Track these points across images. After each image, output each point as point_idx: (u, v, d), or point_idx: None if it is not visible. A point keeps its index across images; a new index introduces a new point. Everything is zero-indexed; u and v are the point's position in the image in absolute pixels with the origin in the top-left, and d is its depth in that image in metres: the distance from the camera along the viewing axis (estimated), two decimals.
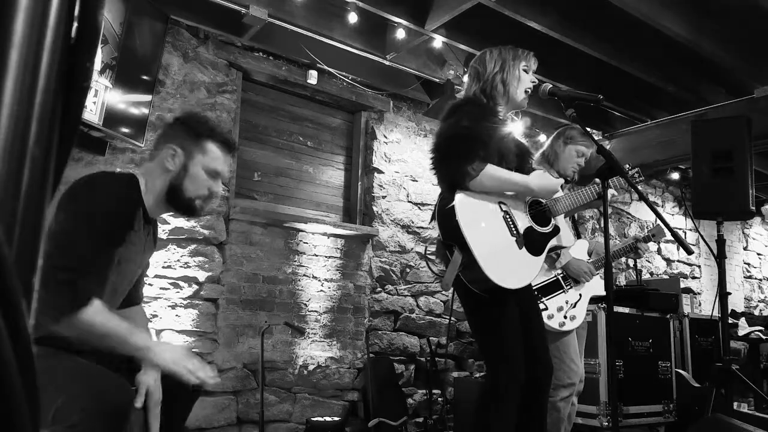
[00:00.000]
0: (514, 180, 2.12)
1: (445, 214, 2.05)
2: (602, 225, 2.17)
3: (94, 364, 1.51)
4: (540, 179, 2.17)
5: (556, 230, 2.28)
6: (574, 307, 2.87)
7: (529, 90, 2.27)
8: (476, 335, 2.33)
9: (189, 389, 1.81)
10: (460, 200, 2.04)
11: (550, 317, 2.77)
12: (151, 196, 1.75)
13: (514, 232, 2.14)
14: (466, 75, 2.36)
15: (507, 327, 2.09)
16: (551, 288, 2.84)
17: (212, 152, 1.77)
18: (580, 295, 2.92)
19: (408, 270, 4.49)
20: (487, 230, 2.08)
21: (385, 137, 4.51)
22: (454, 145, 2.07)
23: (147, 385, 1.60)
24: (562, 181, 2.28)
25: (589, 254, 3.08)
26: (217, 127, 1.84)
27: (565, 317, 2.82)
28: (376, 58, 4.01)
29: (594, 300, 3.03)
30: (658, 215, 2.01)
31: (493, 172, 2.05)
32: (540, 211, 2.28)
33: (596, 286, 2.98)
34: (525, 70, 2.25)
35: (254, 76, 3.99)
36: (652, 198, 6.55)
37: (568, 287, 2.89)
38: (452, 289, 2.25)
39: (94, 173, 1.68)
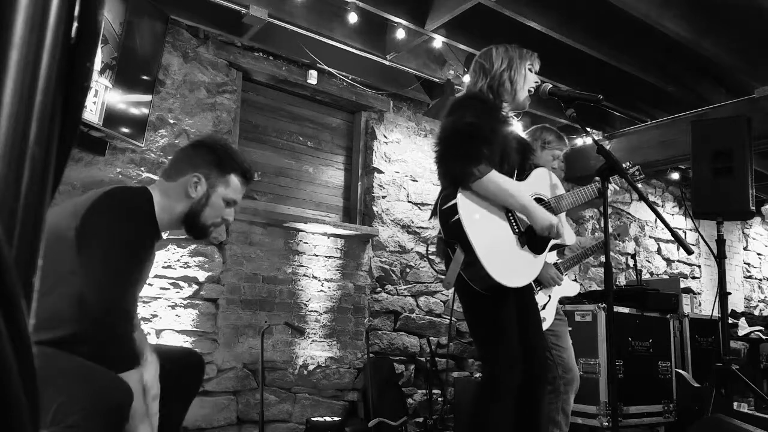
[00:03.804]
0: (516, 197, 2.08)
1: (447, 212, 2.03)
2: (602, 225, 2.16)
3: (93, 364, 1.51)
4: (542, 213, 2.11)
5: None
6: (544, 308, 2.89)
7: (532, 90, 2.26)
8: (474, 333, 2.33)
9: (186, 388, 1.82)
10: (463, 198, 2.02)
11: None
12: (166, 216, 1.78)
13: (516, 230, 2.13)
14: (467, 75, 2.36)
15: (506, 325, 2.08)
16: None
17: (234, 184, 1.83)
18: (549, 296, 2.94)
19: (408, 270, 4.49)
20: (490, 228, 2.07)
21: (385, 137, 4.51)
22: (458, 142, 2.05)
23: (145, 380, 1.61)
24: (558, 220, 2.22)
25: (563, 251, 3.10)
26: (241, 158, 1.88)
27: None
28: (376, 58, 4.00)
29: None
30: (658, 215, 2.01)
31: (498, 180, 2.03)
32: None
33: (565, 287, 3.02)
34: (530, 69, 2.24)
35: (254, 76, 3.99)
36: (652, 198, 6.55)
37: (538, 289, 2.90)
38: (452, 288, 2.24)
39: (114, 192, 1.69)
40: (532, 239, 2.16)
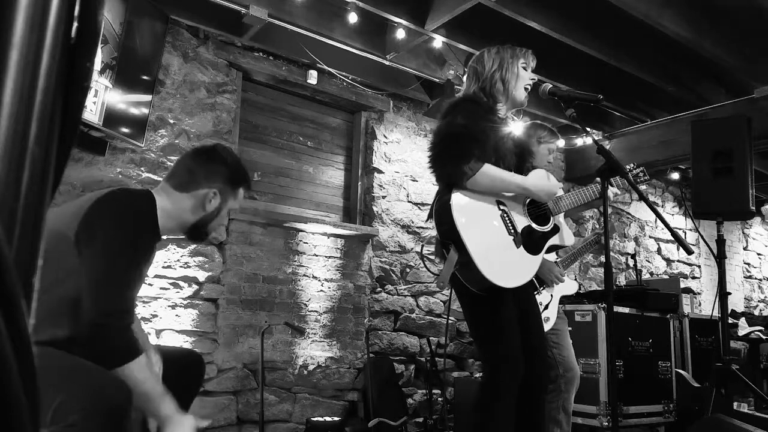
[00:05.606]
0: (512, 180, 2.12)
1: (441, 213, 2.05)
2: (602, 225, 2.17)
3: (93, 363, 1.51)
4: (538, 181, 2.17)
5: (556, 229, 2.28)
6: (547, 308, 2.89)
7: (529, 87, 2.27)
8: (473, 333, 2.33)
9: (187, 388, 1.83)
10: (457, 199, 2.04)
11: None
12: (172, 223, 1.82)
13: (512, 231, 2.14)
14: (466, 76, 2.36)
15: (505, 325, 2.09)
16: None
17: (240, 197, 1.92)
18: (551, 296, 2.95)
19: (408, 270, 4.49)
20: (484, 229, 2.08)
21: (385, 137, 4.51)
22: (450, 144, 2.08)
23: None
24: (560, 184, 2.29)
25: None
26: (247, 170, 1.95)
27: None
28: (376, 58, 4.01)
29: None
30: (658, 215, 2.01)
31: (490, 171, 2.05)
32: (540, 210, 2.28)
33: (566, 286, 3.02)
34: (524, 67, 2.25)
35: (254, 76, 3.99)
36: (652, 198, 6.55)
37: (542, 288, 2.90)
38: (451, 288, 2.25)
39: (116, 193, 1.70)
40: (528, 240, 2.17)
